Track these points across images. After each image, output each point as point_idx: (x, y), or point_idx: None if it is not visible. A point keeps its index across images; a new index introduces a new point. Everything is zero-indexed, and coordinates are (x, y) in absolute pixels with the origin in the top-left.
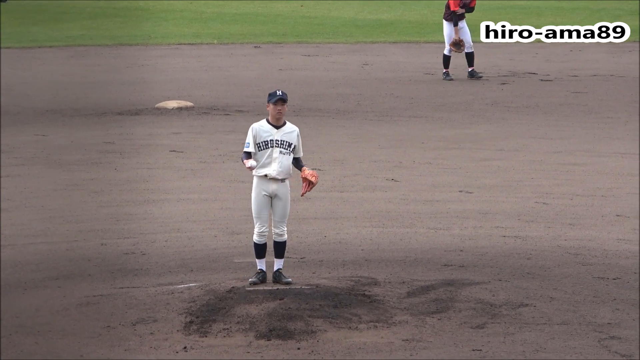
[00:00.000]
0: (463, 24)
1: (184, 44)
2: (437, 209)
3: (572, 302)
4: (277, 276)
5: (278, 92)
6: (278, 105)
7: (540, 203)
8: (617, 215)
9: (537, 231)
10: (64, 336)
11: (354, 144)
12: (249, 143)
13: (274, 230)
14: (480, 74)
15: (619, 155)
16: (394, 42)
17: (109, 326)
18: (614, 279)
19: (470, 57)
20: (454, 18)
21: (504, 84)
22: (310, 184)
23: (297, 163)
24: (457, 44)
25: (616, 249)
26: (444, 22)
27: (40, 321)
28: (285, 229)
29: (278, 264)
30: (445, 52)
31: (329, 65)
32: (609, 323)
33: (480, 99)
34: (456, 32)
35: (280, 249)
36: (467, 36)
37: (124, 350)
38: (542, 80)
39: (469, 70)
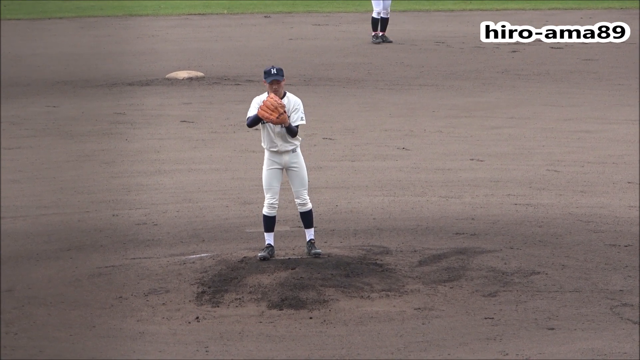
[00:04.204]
0: None
1: (194, 14)
2: (448, 177)
3: (584, 270)
4: (309, 247)
5: (272, 71)
6: (274, 85)
7: (552, 171)
8: (629, 183)
9: (549, 199)
10: (76, 307)
11: (364, 113)
12: (251, 110)
13: (296, 201)
14: (390, 40)
15: (630, 122)
16: (403, 11)
17: (121, 297)
18: (626, 246)
19: (384, 22)
20: None
21: (514, 51)
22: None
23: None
24: None
25: (627, 216)
26: None
27: (53, 292)
28: (307, 197)
29: (309, 234)
30: (374, 15)
31: (340, 35)
32: (620, 290)
33: (490, 67)
34: None
35: (307, 218)
36: (387, 1)
37: (136, 321)
38: (552, 47)
39: (380, 34)
